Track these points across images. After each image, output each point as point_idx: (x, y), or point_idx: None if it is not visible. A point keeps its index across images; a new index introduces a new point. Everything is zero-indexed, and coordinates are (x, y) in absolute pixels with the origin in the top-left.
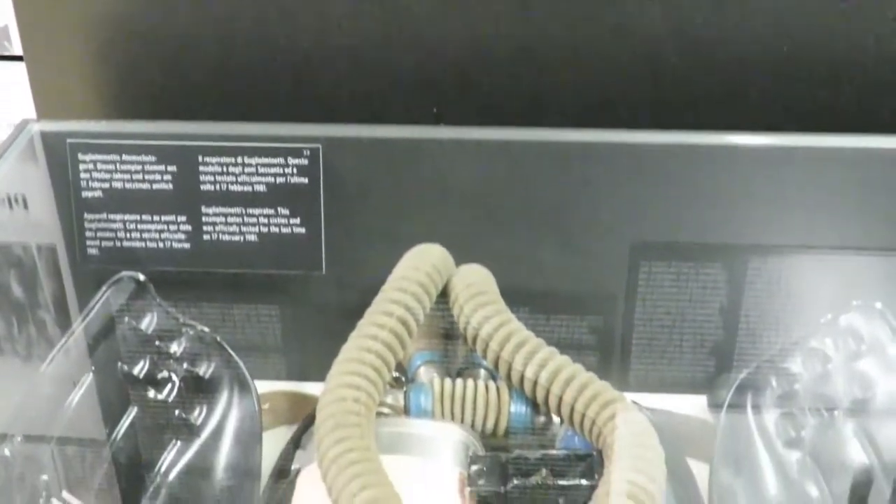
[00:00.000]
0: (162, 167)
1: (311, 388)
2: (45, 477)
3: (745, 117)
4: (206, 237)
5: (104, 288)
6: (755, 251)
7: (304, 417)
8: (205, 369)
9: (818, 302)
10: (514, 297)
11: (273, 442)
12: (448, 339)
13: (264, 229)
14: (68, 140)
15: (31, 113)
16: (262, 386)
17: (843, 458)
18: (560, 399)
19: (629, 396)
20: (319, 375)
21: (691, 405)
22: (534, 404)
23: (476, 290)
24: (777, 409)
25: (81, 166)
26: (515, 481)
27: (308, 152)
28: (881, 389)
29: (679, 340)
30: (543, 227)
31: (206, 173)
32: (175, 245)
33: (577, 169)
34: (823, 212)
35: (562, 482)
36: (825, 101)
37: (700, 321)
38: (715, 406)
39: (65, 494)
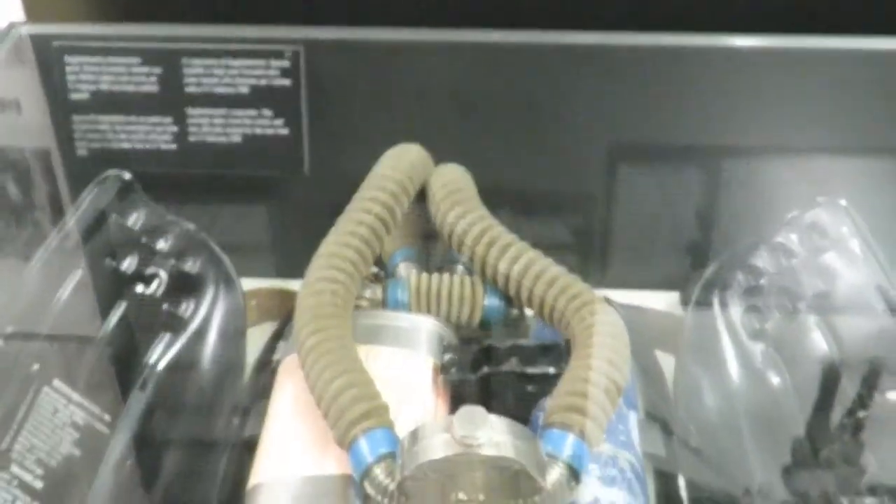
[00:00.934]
0: (147, 69)
1: (295, 285)
2: (35, 367)
3: (719, 19)
4: (191, 138)
5: (91, 186)
6: (727, 152)
7: (285, 313)
8: (191, 265)
9: (785, 200)
10: (493, 197)
11: (259, 336)
12: (427, 237)
13: (248, 131)
14: (54, 42)
15: (19, 16)
16: (249, 283)
17: (805, 349)
18: (531, 292)
19: (607, 293)
20: (303, 273)
21: (665, 301)
22: (507, 298)
23: (453, 188)
24: (743, 302)
25: (68, 69)
26: (486, 369)
27: (290, 54)
28: (843, 282)
29: (654, 239)
30: (522, 128)
31: (189, 75)
32: (162, 146)
33: (556, 71)
34: (793, 113)
35: (530, 370)
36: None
37: (674, 220)
38: (685, 299)
39: (55, 383)
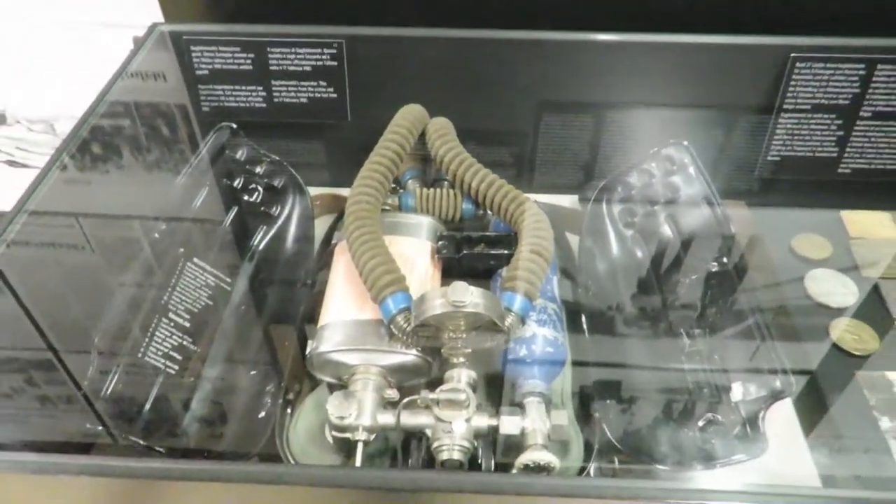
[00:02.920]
0: (244, 54)
1: (344, 191)
2: (181, 250)
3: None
4: (275, 100)
5: (211, 133)
6: (611, 106)
7: (339, 211)
8: (277, 182)
9: (649, 140)
10: (465, 134)
11: (323, 223)
12: (426, 162)
13: (311, 94)
14: (184, 37)
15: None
16: (315, 190)
17: (657, 234)
18: (492, 200)
19: (534, 196)
20: (346, 183)
21: (569, 201)
22: (476, 203)
23: (442, 133)
24: (620, 204)
25: (193, 54)
26: (465, 251)
27: (336, 45)
28: (683, 193)
29: (565, 161)
30: (487, 94)
31: (272, 58)
32: (256, 105)
33: (504, 56)
34: (653, 83)
35: (492, 251)
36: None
37: (576, 152)
38: (584, 200)
39: (195, 259)
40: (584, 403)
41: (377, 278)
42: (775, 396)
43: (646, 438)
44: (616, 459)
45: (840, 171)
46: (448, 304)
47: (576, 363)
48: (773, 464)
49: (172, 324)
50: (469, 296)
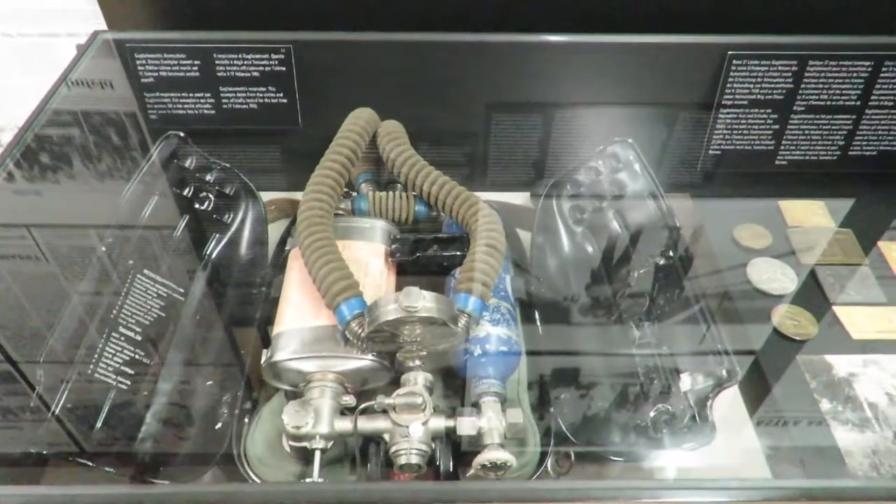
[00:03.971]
0: (190, 61)
1: (298, 195)
2: (131, 262)
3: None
4: (224, 106)
5: (158, 141)
6: (559, 106)
7: (294, 215)
8: (229, 189)
9: (596, 137)
10: (417, 136)
11: (279, 227)
12: (380, 164)
13: (261, 100)
14: (127, 44)
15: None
16: (269, 195)
17: (606, 230)
18: (444, 202)
19: (487, 195)
20: (299, 186)
21: (521, 197)
22: (429, 205)
23: (393, 136)
24: (570, 201)
25: (138, 61)
26: (418, 253)
27: (283, 50)
28: (629, 190)
29: (514, 161)
30: (436, 96)
31: (219, 64)
32: (205, 112)
33: (454, 57)
34: (599, 84)
35: (445, 253)
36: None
37: (526, 150)
38: (535, 197)
39: (145, 271)
40: (540, 395)
41: (331, 284)
42: (722, 384)
43: (599, 429)
44: (571, 452)
45: (777, 162)
46: (401, 310)
47: (530, 354)
48: (722, 447)
49: (123, 338)
50: (421, 300)
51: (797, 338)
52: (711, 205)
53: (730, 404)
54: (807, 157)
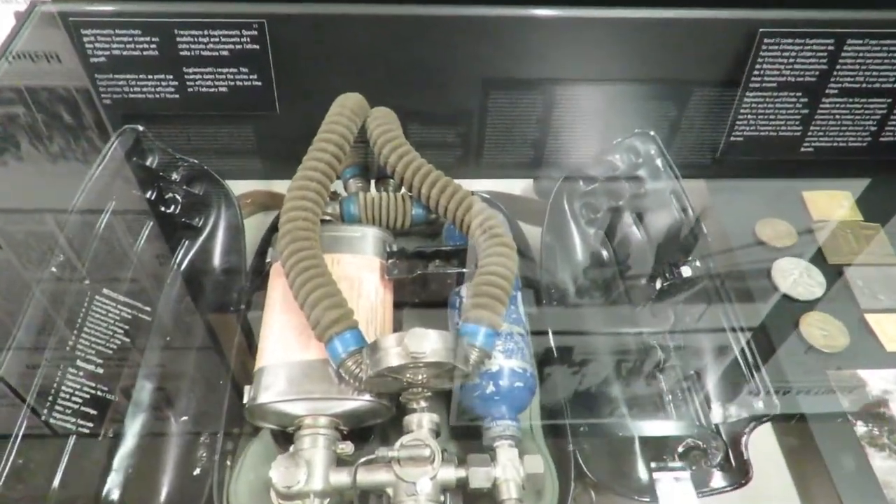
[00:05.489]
0: (147, 38)
1: (276, 184)
2: (87, 282)
3: None
4: (189, 90)
5: (112, 139)
6: (564, 85)
7: (272, 208)
8: (199, 189)
9: (619, 130)
10: (409, 116)
11: (255, 224)
12: (367, 154)
13: (231, 83)
14: (70, 18)
15: None
16: (246, 185)
17: (623, 233)
18: (445, 208)
19: (484, 182)
20: (279, 175)
21: (520, 184)
22: (427, 208)
23: (385, 128)
24: (583, 200)
25: (85, 39)
26: (418, 270)
27: (256, 25)
28: (649, 188)
29: (514, 143)
30: (428, 75)
31: (181, 42)
32: (168, 96)
33: (446, 34)
34: (617, 69)
35: (449, 270)
36: None
37: (525, 133)
38: (540, 191)
39: (105, 291)
40: (555, 429)
41: (321, 315)
42: (759, 419)
43: (621, 467)
44: (592, 493)
45: (803, 149)
46: (406, 356)
47: (543, 385)
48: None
49: (82, 373)
50: (428, 343)
51: (827, 350)
52: (731, 197)
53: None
54: (835, 144)
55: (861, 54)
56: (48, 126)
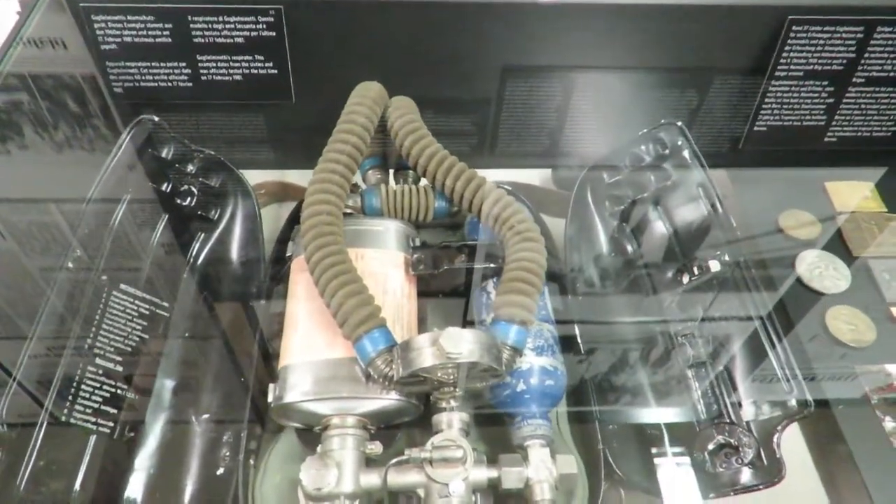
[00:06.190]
0: (160, 25)
1: (291, 174)
2: (104, 278)
3: None
4: (203, 78)
5: (128, 128)
6: (585, 72)
7: (287, 199)
8: (214, 181)
9: (639, 118)
10: (429, 105)
11: (271, 214)
12: (385, 143)
13: (246, 70)
14: (80, 4)
15: None
16: (261, 175)
17: (647, 225)
18: (470, 202)
19: (502, 172)
20: (293, 165)
21: (537, 174)
22: (450, 200)
23: (406, 118)
24: (607, 192)
25: (96, 25)
26: (445, 265)
27: (272, 12)
28: (675, 180)
29: (531, 132)
30: (448, 63)
31: (195, 29)
32: (181, 84)
33: (465, 22)
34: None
35: (475, 265)
36: None
37: (545, 121)
38: (558, 181)
39: (122, 286)
40: (582, 427)
41: (349, 313)
42: (792, 416)
43: (651, 464)
44: (622, 491)
45: (827, 139)
46: (441, 356)
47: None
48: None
49: (101, 371)
50: (464, 344)
51: (854, 345)
52: (754, 187)
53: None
54: (859, 134)
55: (891, 42)
56: (53, 115)
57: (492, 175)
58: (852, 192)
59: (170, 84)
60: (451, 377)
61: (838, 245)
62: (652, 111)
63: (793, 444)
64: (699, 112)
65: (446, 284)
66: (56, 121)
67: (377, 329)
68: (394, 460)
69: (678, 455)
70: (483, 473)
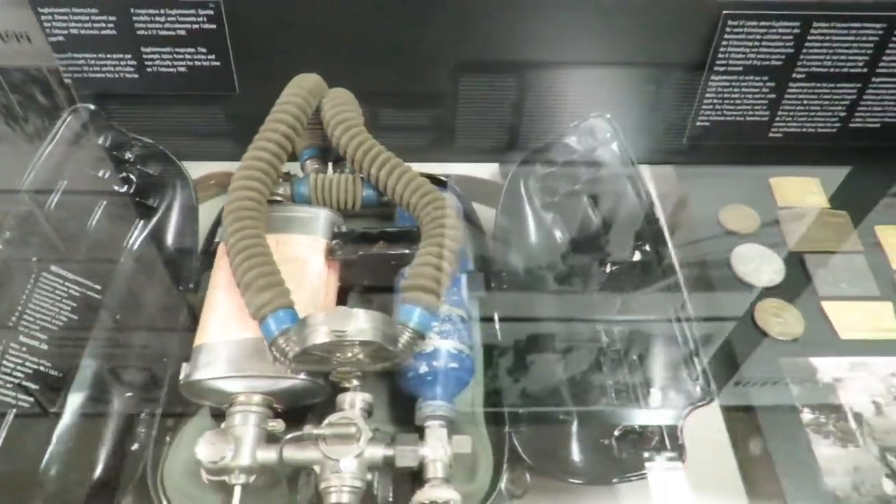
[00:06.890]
0: (104, 17)
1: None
2: (35, 259)
3: None
4: (148, 70)
5: (63, 116)
6: (534, 68)
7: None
8: (154, 169)
9: (574, 104)
10: (378, 99)
11: (217, 206)
12: (325, 138)
13: (189, 62)
14: None
15: None
16: (211, 167)
17: (578, 215)
18: (394, 189)
19: (453, 166)
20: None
21: (489, 169)
22: (378, 190)
23: (340, 108)
24: (539, 183)
25: (43, 17)
26: (362, 251)
27: (212, 4)
28: (605, 172)
29: (484, 126)
30: (397, 55)
31: (138, 21)
32: (127, 76)
33: (413, 10)
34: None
35: (393, 251)
36: None
37: (495, 116)
38: (505, 175)
39: (53, 268)
40: (498, 415)
41: (256, 293)
42: (695, 403)
43: (557, 448)
44: (527, 475)
45: (771, 135)
46: (330, 333)
47: (488, 370)
48: (695, 463)
49: (25, 348)
50: (353, 322)
51: (781, 337)
52: (697, 182)
53: (706, 415)
54: (804, 130)
55: (828, 38)
56: (23, 107)
57: (445, 169)
58: (797, 189)
59: (117, 76)
60: (351, 357)
61: (776, 240)
62: (599, 106)
63: (712, 432)
64: (645, 107)
65: (375, 274)
66: (25, 113)
67: (283, 310)
68: (289, 436)
69: (585, 440)
70: (379, 452)
